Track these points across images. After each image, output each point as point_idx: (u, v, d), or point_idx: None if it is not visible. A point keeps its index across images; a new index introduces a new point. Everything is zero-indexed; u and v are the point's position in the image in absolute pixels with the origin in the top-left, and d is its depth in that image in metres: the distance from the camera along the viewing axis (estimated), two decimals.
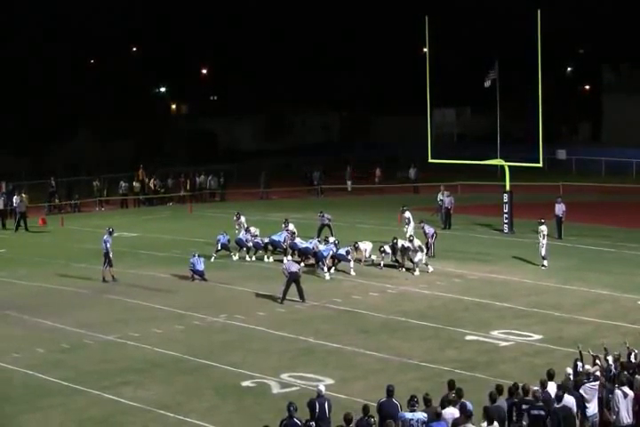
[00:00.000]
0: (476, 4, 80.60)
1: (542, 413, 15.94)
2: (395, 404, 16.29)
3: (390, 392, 16.48)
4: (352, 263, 32.75)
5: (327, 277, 32.15)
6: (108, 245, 32.40)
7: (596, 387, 16.83)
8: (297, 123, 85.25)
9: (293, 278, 28.79)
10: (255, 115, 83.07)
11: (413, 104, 57.29)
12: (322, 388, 16.89)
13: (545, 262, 33.19)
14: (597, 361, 17.93)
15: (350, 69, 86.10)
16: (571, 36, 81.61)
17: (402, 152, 66.23)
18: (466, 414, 15.47)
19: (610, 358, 18.13)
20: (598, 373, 17.39)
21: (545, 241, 33.13)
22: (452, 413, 15.75)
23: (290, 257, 31.58)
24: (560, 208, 38.20)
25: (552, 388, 16.63)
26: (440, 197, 43.11)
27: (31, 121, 70.85)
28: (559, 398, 16.09)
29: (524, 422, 15.97)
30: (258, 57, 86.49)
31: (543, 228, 33.23)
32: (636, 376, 17.05)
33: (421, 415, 15.63)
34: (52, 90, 74.35)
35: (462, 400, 16.08)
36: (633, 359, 18.19)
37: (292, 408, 15.81)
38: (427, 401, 16.05)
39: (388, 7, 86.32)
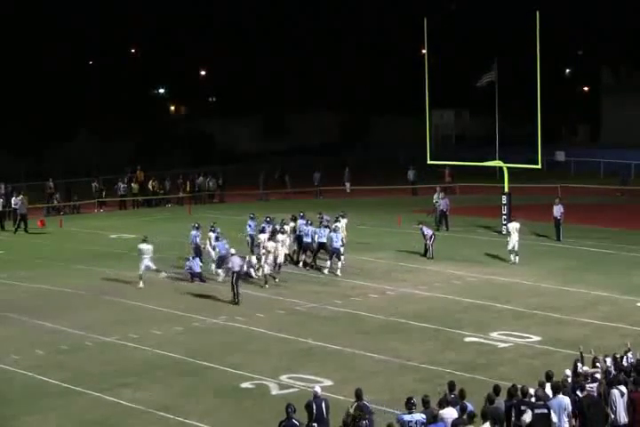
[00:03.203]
0: (476, 5, 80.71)
1: (545, 411, 16.03)
2: (367, 406, 16.47)
3: (359, 396, 16.57)
4: (340, 264, 32.71)
5: (339, 272, 32.21)
6: (198, 240, 33.16)
7: (595, 389, 16.86)
8: (296, 124, 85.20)
9: (237, 277, 29.01)
10: (254, 116, 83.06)
11: (413, 105, 57.34)
12: (317, 389, 16.96)
13: (516, 259, 33.99)
14: (597, 363, 17.97)
15: (350, 70, 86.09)
16: (569, 38, 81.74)
17: (400, 153, 66.25)
18: (469, 415, 15.54)
19: (609, 360, 18.17)
20: (598, 375, 17.41)
21: (516, 237, 33.91)
22: (450, 413, 15.76)
23: (233, 250, 30.72)
24: (558, 210, 38.25)
25: (550, 389, 16.67)
26: (436, 198, 43.19)
27: (30, 122, 70.86)
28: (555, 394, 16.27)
29: (527, 420, 16.01)
30: (256, 58, 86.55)
31: (513, 224, 34.34)
32: (630, 378, 17.10)
33: (420, 417, 15.64)
34: (52, 91, 74.38)
35: (463, 402, 16.12)
36: (631, 360, 18.25)
37: (290, 410, 15.87)
38: (425, 403, 16.07)
39: (387, 8, 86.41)
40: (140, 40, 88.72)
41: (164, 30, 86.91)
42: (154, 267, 31.77)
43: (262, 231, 33.44)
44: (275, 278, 31.48)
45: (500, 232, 40.12)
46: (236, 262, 29.36)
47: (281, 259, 32.50)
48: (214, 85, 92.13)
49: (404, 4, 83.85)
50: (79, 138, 74.19)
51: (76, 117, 75.12)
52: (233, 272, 29.20)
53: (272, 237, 32.43)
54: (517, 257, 34.24)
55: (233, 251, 30.50)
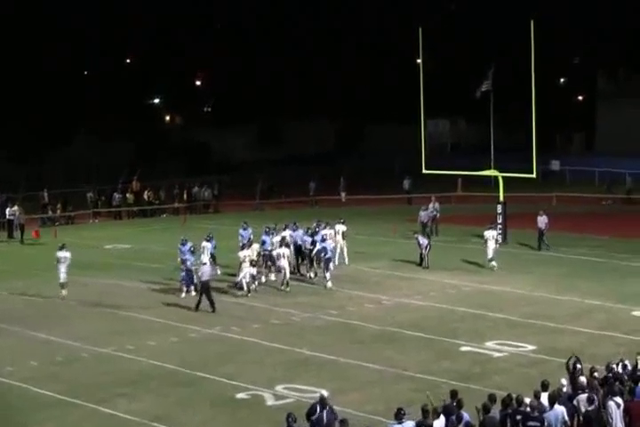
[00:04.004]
0: (471, 14, 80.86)
1: (538, 424, 16.00)
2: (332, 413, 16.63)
3: (323, 402, 16.66)
4: (328, 274, 32.36)
5: (329, 284, 32.17)
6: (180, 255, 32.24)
7: (596, 400, 16.84)
8: (292, 133, 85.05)
9: (205, 287, 29.04)
10: (250, 125, 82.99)
11: (410, 114, 57.23)
12: (324, 393, 16.99)
13: (494, 263, 34.58)
14: (595, 373, 17.99)
15: (350, 70, 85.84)
16: (565, 46, 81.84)
17: (396, 162, 66.21)
18: (466, 425, 15.55)
19: (614, 367, 18.21)
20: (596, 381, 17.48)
21: (493, 245, 34.68)
22: (438, 425, 15.77)
23: (206, 259, 30.87)
24: (542, 220, 38.40)
25: (546, 399, 16.68)
26: (431, 207, 43.32)
27: (30, 122, 70.81)
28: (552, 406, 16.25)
29: None
30: (256, 58, 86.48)
31: (490, 232, 34.99)
32: (626, 387, 17.12)
33: (411, 424, 15.66)
34: (52, 91, 74.43)
35: (460, 411, 16.12)
36: (623, 369, 18.28)
37: (290, 419, 15.86)
38: (424, 412, 16.06)
39: (382, 16, 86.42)
40: (139, 40, 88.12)
41: (164, 30, 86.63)
42: (63, 280, 31.45)
43: (264, 244, 33.43)
44: (249, 291, 31.11)
45: (496, 242, 40.15)
46: (205, 272, 29.42)
47: (287, 273, 32.16)
48: (211, 93, 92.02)
49: (403, 4, 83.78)
50: (74, 148, 73.99)
51: (74, 121, 75.16)
52: (201, 281, 29.34)
53: (244, 245, 32.42)
54: (493, 263, 34.75)
55: (205, 260, 30.53)
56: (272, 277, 33.14)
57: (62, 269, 31.53)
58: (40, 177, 58.68)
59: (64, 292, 31.34)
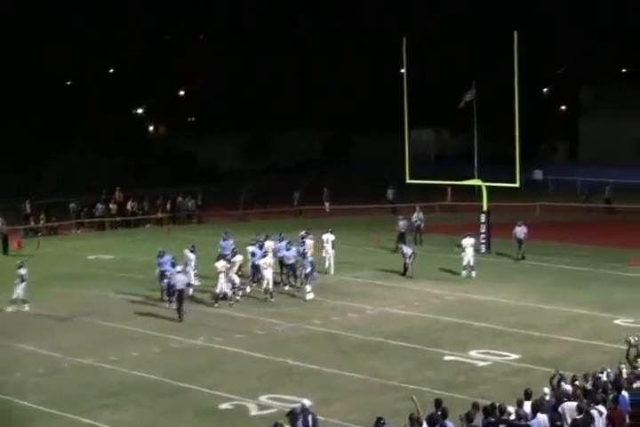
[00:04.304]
0: (455, 25, 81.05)
1: None
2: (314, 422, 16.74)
3: (292, 414, 16.80)
4: (309, 287, 32.22)
5: (310, 296, 32.03)
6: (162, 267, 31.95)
7: (574, 407, 16.82)
8: (279, 142, 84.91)
9: (182, 296, 29.21)
10: (237, 134, 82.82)
11: (393, 124, 57.25)
12: (306, 402, 16.89)
13: (473, 273, 34.98)
14: (576, 381, 17.98)
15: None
16: (549, 57, 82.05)
17: (383, 172, 66.22)
18: None
19: (601, 375, 18.21)
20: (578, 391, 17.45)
21: (471, 253, 35.16)
22: None
23: (179, 268, 30.74)
24: (521, 231, 38.46)
25: (528, 407, 16.66)
26: (415, 217, 43.33)
27: (14, 141, 70.61)
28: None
29: None
30: (238, 76, 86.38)
31: (467, 240, 35.40)
32: (610, 395, 17.11)
33: None
34: (33, 111, 74.24)
35: (445, 421, 16.07)
36: (605, 378, 18.27)
37: None
38: (411, 420, 15.98)
39: (368, 26, 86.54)
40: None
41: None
42: (22, 296, 31.27)
43: (253, 255, 33.28)
44: (231, 300, 31.08)
45: (479, 251, 40.18)
46: (179, 280, 29.44)
47: (270, 283, 31.95)
48: (194, 104, 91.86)
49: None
50: (59, 160, 73.78)
51: (57, 139, 74.91)
52: (175, 290, 29.44)
53: (221, 256, 32.39)
54: (474, 272, 35.15)
55: (179, 268, 30.50)
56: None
57: (23, 285, 31.34)
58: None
59: (24, 307, 31.21)
